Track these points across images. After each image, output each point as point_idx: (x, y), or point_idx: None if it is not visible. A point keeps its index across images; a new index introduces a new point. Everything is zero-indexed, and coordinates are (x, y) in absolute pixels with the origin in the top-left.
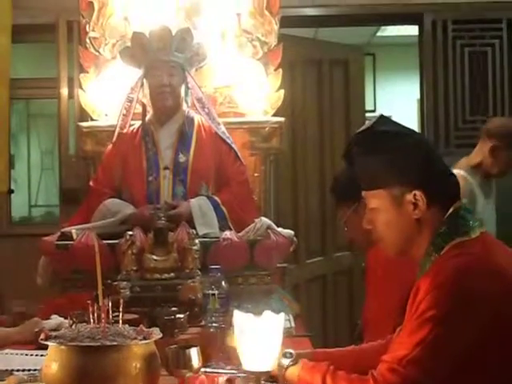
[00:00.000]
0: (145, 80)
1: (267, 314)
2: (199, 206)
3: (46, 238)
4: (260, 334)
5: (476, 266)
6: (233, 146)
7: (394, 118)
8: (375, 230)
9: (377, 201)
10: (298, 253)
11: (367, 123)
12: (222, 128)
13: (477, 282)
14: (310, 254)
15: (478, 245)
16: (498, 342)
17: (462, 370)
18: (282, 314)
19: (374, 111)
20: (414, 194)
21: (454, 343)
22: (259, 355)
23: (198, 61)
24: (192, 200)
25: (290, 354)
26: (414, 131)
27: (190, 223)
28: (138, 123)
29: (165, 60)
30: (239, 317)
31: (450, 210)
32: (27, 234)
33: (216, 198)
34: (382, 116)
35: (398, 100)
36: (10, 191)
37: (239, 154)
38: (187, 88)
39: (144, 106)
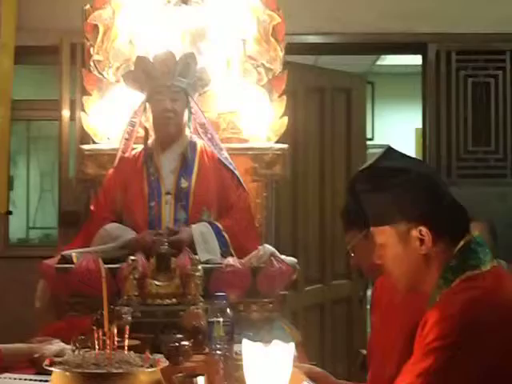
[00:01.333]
0: (148, 104)
1: (276, 343)
2: (201, 232)
3: (46, 261)
4: (269, 364)
5: (485, 300)
6: (235, 172)
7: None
8: (384, 265)
9: (384, 237)
10: (296, 280)
11: (371, 159)
12: (225, 154)
13: (485, 316)
14: (309, 281)
15: (488, 278)
16: (505, 378)
17: None
18: (292, 344)
19: (371, 139)
20: (420, 230)
21: (456, 375)
22: None
23: (201, 86)
24: (193, 226)
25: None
26: (419, 164)
27: (192, 249)
28: (140, 147)
29: (168, 85)
30: (248, 346)
31: (461, 244)
32: (24, 255)
33: (218, 225)
34: (388, 149)
35: (396, 129)
36: (8, 212)
37: (242, 180)
38: (190, 113)
39: (146, 131)
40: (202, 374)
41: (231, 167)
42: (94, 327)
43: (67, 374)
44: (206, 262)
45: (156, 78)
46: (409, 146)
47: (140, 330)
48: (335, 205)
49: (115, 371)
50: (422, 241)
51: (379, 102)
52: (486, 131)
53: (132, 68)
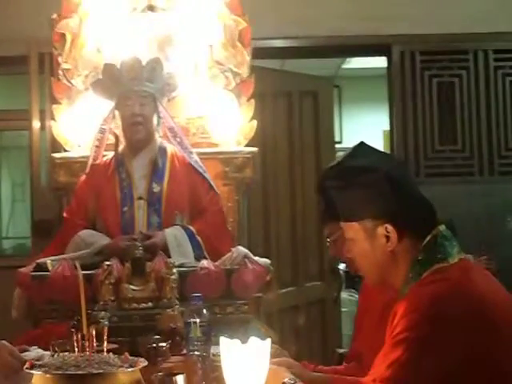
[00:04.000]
0: (117, 111)
1: (253, 340)
2: (174, 235)
3: (21, 270)
4: (247, 361)
5: (452, 292)
6: (206, 175)
7: None
8: (354, 259)
9: (352, 232)
10: (270, 283)
11: (342, 155)
12: (195, 157)
13: (452, 308)
14: (282, 284)
15: (456, 270)
16: (472, 369)
17: None
18: (269, 340)
19: (340, 143)
20: (386, 228)
21: (424, 366)
22: (246, 382)
23: (169, 90)
24: (167, 230)
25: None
26: (387, 161)
27: (166, 253)
28: (111, 154)
29: (136, 90)
30: (225, 343)
31: (428, 238)
32: (2, 266)
33: (191, 228)
34: (359, 144)
35: (364, 131)
36: None
37: (213, 183)
38: (159, 118)
39: (117, 137)
40: (182, 373)
41: (201, 170)
42: (73, 330)
43: (48, 376)
44: (181, 266)
45: (124, 83)
46: (377, 147)
47: (117, 334)
48: (306, 207)
49: (96, 372)
50: (387, 238)
51: (347, 105)
52: (453, 130)
53: (100, 76)
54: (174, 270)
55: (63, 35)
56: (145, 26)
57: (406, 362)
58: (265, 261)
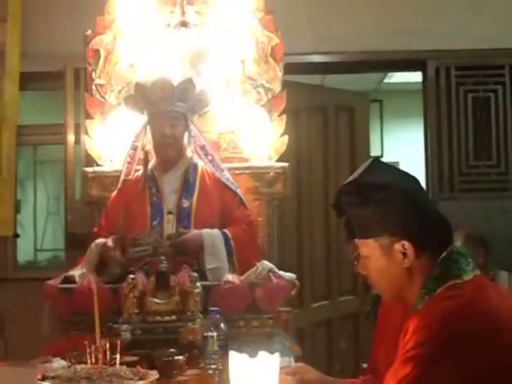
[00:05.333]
0: (148, 127)
1: (262, 354)
2: (211, 237)
3: (49, 282)
4: (255, 375)
5: (464, 309)
6: (237, 191)
7: (401, 165)
8: (369, 276)
9: (367, 249)
10: (302, 297)
11: (357, 172)
12: (226, 174)
13: (463, 325)
14: (315, 298)
15: (469, 288)
16: None
17: None
18: (277, 355)
19: (381, 157)
20: (403, 244)
21: (435, 382)
22: None
23: (200, 108)
24: (205, 230)
25: None
26: (402, 178)
27: (197, 254)
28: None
29: (167, 110)
30: (234, 357)
31: (443, 255)
32: (33, 278)
33: (227, 232)
34: (373, 161)
35: (405, 146)
36: (16, 235)
37: (244, 199)
38: (190, 136)
39: (146, 154)
40: None
41: (233, 187)
42: (86, 343)
43: None
44: (205, 280)
45: (154, 103)
46: (418, 162)
47: (140, 346)
48: (340, 222)
49: None
50: (404, 254)
51: (388, 120)
52: (488, 146)
53: (132, 92)
54: (198, 284)
55: (97, 51)
56: (177, 42)
57: (415, 378)
58: (290, 275)
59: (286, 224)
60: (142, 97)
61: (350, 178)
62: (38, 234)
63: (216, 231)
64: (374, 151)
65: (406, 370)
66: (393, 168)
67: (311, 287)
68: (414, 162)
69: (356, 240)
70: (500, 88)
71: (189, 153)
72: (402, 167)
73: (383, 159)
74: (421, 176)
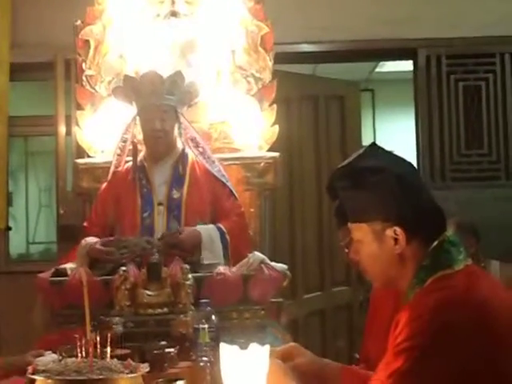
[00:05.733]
0: (138, 119)
1: (253, 346)
2: (210, 235)
3: (40, 275)
4: (245, 367)
5: (455, 300)
6: (227, 183)
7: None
8: (361, 261)
9: (360, 234)
10: (295, 288)
11: (352, 156)
12: (217, 166)
13: (454, 316)
14: (308, 289)
15: (460, 278)
16: (475, 378)
17: None
18: (267, 347)
19: None
20: (394, 230)
21: (427, 375)
22: None
23: (190, 99)
24: (201, 228)
25: None
26: (397, 163)
27: (193, 249)
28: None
29: (157, 104)
30: (225, 349)
31: (435, 244)
32: (25, 271)
33: (222, 227)
34: (371, 146)
35: (397, 135)
36: (8, 228)
37: (234, 190)
38: (180, 128)
39: (135, 146)
40: (182, 379)
41: (224, 179)
42: (76, 336)
43: (49, 381)
44: (196, 272)
45: (144, 97)
46: (411, 151)
47: (132, 339)
48: (332, 211)
49: (95, 377)
50: (396, 240)
51: (380, 109)
52: (479, 134)
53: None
54: (190, 276)
55: (87, 42)
56: (167, 32)
57: (408, 371)
58: (281, 266)
59: (278, 214)
60: (131, 89)
61: (345, 162)
62: (30, 226)
63: (211, 227)
64: (367, 140)
65: (397, 363)
66: (388, 153)
67: (304, 278)
68: (406, 151)
69: (349, 224)
70: (491, 76)
71: (179, 144)
72: None
73: None
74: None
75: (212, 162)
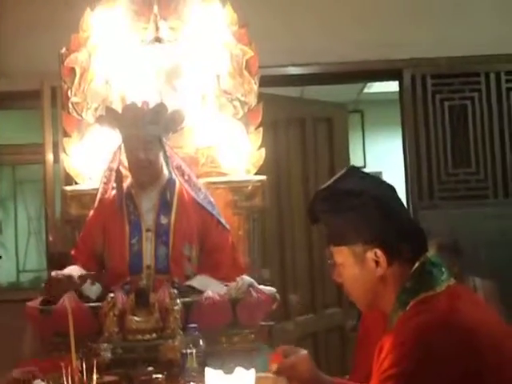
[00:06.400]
0: (123, 147)
1: (239, 370)
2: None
3: (29, 303)
4: None
5: (437, 324)
6: (214, 212)
7: (384, 174)
8: (343, 284)
9: (341, 257)
10: (287, 310)
11: (332, 179)
12: (203, 193)
13: (439, 340)
14: (300, 311)
15: (442, 300)
16: None
17: None
18: (253, 371)
19: (364, 167)
20: (375, 252)
21: None
22: None
23: (174, 127)
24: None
25: None
26: (376, 186)
27: None
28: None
29: (139, 135)
30: (210, 374)
31: (416, 265)
32: (15, 299)
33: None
34: (350, 169)
35: (387, 156)
36: None
37: (221, 218)
38: (166, 156)
39: (119, 173)
40: None
41: (209, 208)
42: (62, 364)
43: None
44: (185, 296)
45: (126, 127)
46: (401, 171)
47: (121, 365)
48: (322, 233)
49: None
50: (377, 263)
51: (369, 131)
52: (466, 153)
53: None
54: (178, 301)
55: (72, 69)
56: (152, 58)
57: None
58: (270, 289)
59: (268, 237)
60: (114, 120)
61: (324, 186)
62: (20, 254)
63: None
64: (357, 162)
65: None
66: (367, 176)
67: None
68: (396, 171)
69: (330, 247)
70: (476, 95)
71: (166, 171)
72: (384, 176)
73: (366, 170)
74: (402, 184)
75: (198, 189)
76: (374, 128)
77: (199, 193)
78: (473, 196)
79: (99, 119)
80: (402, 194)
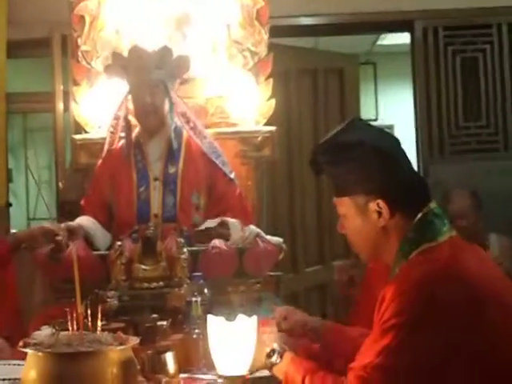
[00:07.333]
0: (130, 96)
1: (240, 317)
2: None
3: (38, 250)
4: (233, 338)
5: (439, 274)
6: (219, 160)
7: (396, 127)
8: (347, 235)
9: (344, 208)
10: (296, 261)
11: (333, 131)
12: (208, 142)
13: (441, 290)
14: (309, 262)
15: (445, 250)
16: (465, 352)
17: (427, 378)
18: (255, 318)
19: (375, 120)
20: (378, 203)
21: (417, 350)
22: (233, 359)
23: (179, 73)
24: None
25: (274, 351)
26: (379, 137)
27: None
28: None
29: (145, 79)
30: (212, 321)
31: (419, 216)
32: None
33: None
34: (352, 120)
35: (399, 109)
36: (9, 205)
37: (228, 167)
38: (171, 103)
39: (128, 122)
40: (171, 351)
41: (214, 156)
42: (67, 310)
43: (40, 354)
44: (192, 246)
45: (132, 73)
46: (412, 124)
47: (128, 313)
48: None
49: (85, 350)
50: (379, 213)
51: (382, 82)
52: (477, 106)
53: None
54: (185, 250)
55: (82, 17)
56: (162, 6)
57: (396, 348)
58: (277, 239)
59: (277, 188)
60: (120, 67)
61: (326, 137)
62: (31, 203)
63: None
64: (369, 114)
65: (386, 340)
66: (370, 127)
67: (304, 252)
68: (408, 124)
69: (334, 199)
70: (488, 47)
71: (172, 119)
72: (396, 129)
73: (378, 122)
74: (413, 137)
75: (203, 137)
76: (387, 80)
77: (204, 141)
78: (483, 149)
79: (106, 69)
80: (412, 147)
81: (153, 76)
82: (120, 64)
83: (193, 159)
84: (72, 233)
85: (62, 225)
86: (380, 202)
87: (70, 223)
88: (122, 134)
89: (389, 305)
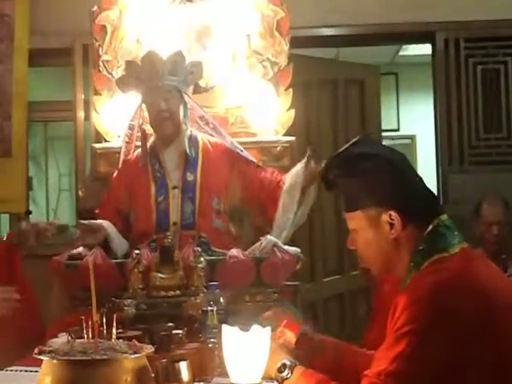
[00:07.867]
0: (144, 105)
1: (255, 328)
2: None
3: (55, 258)
4: (246, 348)
5: (452, 281)
6: (243, 153)
7: (417, 138)
8: (357, 250)
9: (355, 222)
10: (314, 271)
11: (343, 147)
12: (229, 140)
13: (452, 298)
14: (327, 272)
15: (456, 260)
16: (477, 360)
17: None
18: (269, 328)
19: (397, 130)
20: (390, 214)
21: (430, 357)
22: (246, 368)
23: (193, 80)
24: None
25: (285, 365)
26: (388, 151)
27: None
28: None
29: (159, 85)
30: (226, 331)
31: (430, 228)
32: (45, 255)
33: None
34: (360, 138)
35: (421, 120)
36: (29, 212)
37: (252, 158)
38: (186, 109)
39: (143, 133)
40: (185, 360)
41: (238, 150)
42: (82, 318)
43: (54, 361)
44: (210, 255)
45: (145, 80)
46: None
47: (145, 321)
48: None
49: (99, 358)
50: (391, 225)
51: (404, 93)
52: (497, 118)
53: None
54: (202, 259)
55: (104, 27)
56: (183, 17)
57: (410, 355)
58: (295, 249)
59: None
60: (133, 75)
61: (338, 151)
62: (50, 210)
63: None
64: (390, 125)
65: (399, 347)
66: (379, 143)
67: (323, 261)
68: (429, 135)
69: (344, 214)
70: (510, 59)
71: (187, 126)
72: (418, 141)
73: (399, 133)
74: (433, 149)
75: (224, 137)
76: (409, 91)
77: (226, 139)
78: (504, 161)
79: (119, 81)
80: (432, 157)
81: (166, 82)
82: (133, 71)
83: (212, 164)
84: (94, 231)
85: (86, 222)
86: (392, 213)
87: (93, 221)
88: (138, 144)
89: (402, 313)
